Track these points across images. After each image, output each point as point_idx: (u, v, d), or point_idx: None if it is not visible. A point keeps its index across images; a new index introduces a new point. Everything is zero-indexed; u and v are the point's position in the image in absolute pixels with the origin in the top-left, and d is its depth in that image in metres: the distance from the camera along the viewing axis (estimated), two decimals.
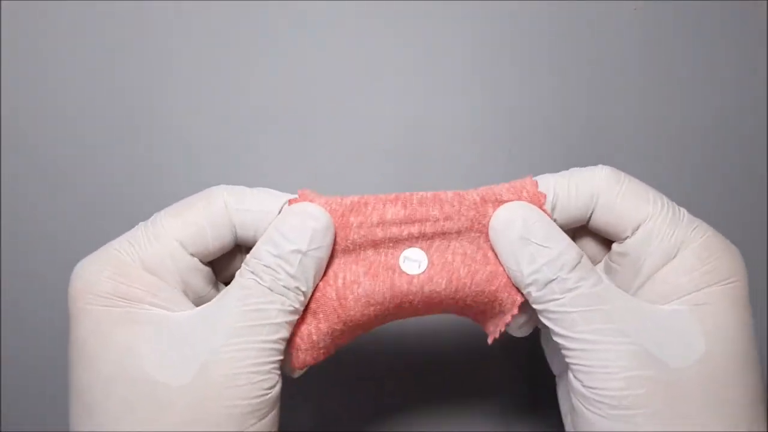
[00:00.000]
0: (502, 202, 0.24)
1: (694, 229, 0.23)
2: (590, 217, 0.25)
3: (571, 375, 0.22)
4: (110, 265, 0.22)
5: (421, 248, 0.24)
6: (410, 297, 0.24)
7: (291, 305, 0.22)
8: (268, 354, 0.21)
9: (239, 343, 0.21)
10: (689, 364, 0.21)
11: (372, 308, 0.24)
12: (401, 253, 0.24)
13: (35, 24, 0.34)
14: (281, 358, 0.22)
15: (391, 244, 0.24)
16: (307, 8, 0.34)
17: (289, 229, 0.22)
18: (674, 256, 0.23)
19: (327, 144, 0.34)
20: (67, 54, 0.34)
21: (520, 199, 0.24)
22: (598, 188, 0.24)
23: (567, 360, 0.22)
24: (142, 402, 0.20)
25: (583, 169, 0.25)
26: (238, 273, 0.23)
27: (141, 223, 0.24)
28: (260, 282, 0.22)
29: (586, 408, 0.22)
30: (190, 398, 0.20)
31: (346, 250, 0.24)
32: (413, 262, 0.24)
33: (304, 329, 0.24)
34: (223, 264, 0.25)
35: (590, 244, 0.27)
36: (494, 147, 0.35)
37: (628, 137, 0.35)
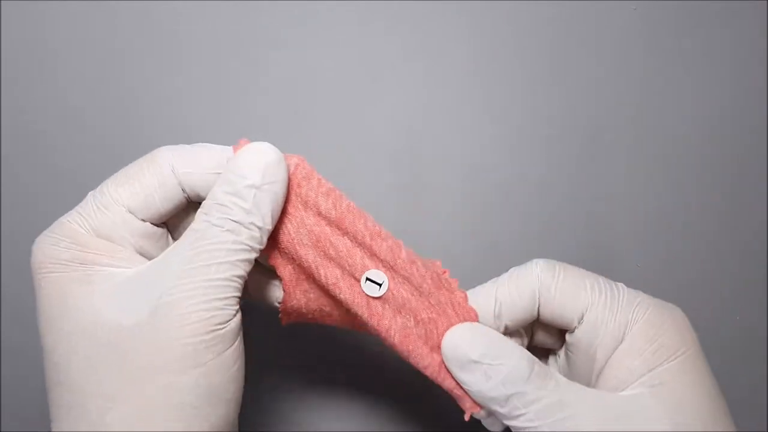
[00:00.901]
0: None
1: (636, 307, 0.24)
2: (539, 313, 0.25)
3: None
4: (65, 236, 0.22)
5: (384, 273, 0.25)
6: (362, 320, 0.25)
7: (245, 243, 0.22)
8: (219, 291, 0.22)
9: (188, 283, 0.21)
10: None
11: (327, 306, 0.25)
12: (364, 272, 0.25)
13: (35, 24, 0.34)
14: (236, 295, 0.22)
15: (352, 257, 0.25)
16: (308, 9, 0.34)
17: (242, 165, 0.23)
18: (622, 340, 0.23)
19: (327, 145, 0.34)
20: (67, 54, 0.34)
21: (447, 315, 0.25)
22: (537, 285, 0.25)
23: None
24: (103, 351, 0.21)
25: (520, 267, 0.26)
26: (194, 219, 0.23)
27: (90, 193, 0.24)
28: (212, 222, 0.22)
29: None
30: (147, 339, 0.21)
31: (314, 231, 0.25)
32: (374, 284, 0.24)
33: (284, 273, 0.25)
34: (179, 220, 0.26)
35: (549, 335, 0.27)
36: (494, 147, 0.35)
37: (628, 137, 0.35)
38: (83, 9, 0.34)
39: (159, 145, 0.34)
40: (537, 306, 0.25)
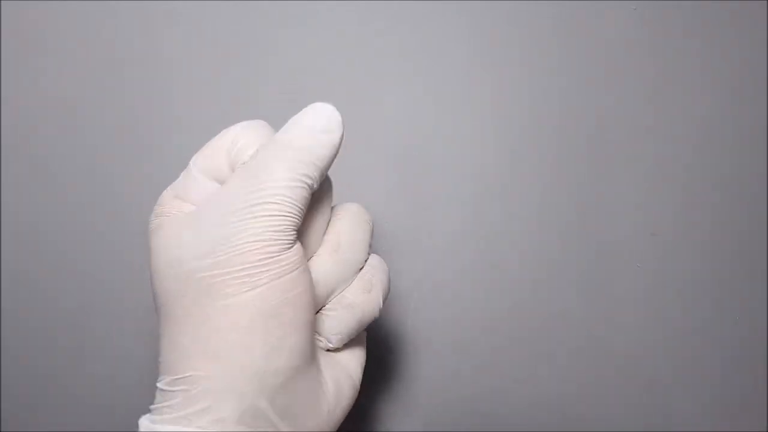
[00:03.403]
0: None
1: None
2: None
3: None
4: (157, 202, 0.25)
5: None
6: None
7: (300, 180, 0.23)
8: (274, 223, 0.22)
9: (243, 216, 0.22)
10: None
11: None
12: None
13: (35, 24, 0.34)
14: (292, 226, 0.23)
15: None
16: (308, 9, 0.34)
17: (307, 112, 0.24)
18: None
19: None
20: (67, 54, 0.34)
21: None
22: None
23: None
24: (173, 284, 0.22)
25: None
26: None
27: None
28: (266, 157, 0.23)
29: None
30: (205, 267, 0.22)
31: None
32: None
33: None
34: None
35: None
36: (494, 147, 0.35)
37: (628, 137, 0.35)
38: (83, 9, 0.34)
39: (158, 145, 0.34)
40: None
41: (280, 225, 0.22)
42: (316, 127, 0.24)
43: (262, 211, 0.22)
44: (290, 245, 0.23)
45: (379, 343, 0.34)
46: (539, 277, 0.34)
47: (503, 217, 0.34)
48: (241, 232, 0.22)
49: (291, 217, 0.23)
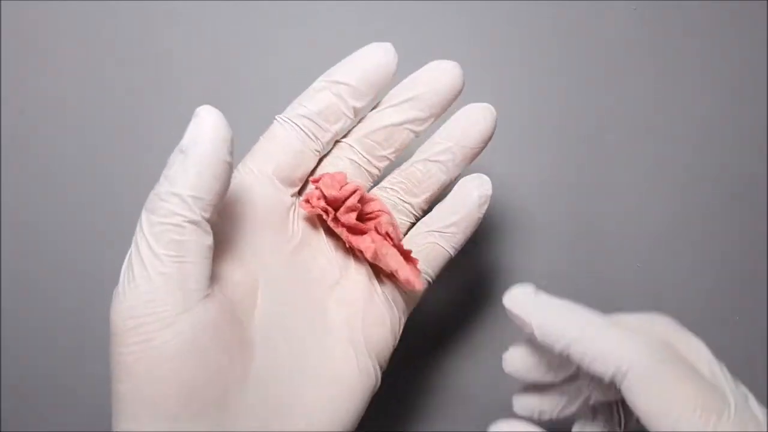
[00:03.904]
0: None
1: None
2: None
3: None
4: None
5: None
6: None
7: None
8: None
9: None
10: None
11: None
12: None
13: (35, 24, 0.34)
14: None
15: None
16: (308, 9, 0.34)
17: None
18: None
19: None
20: (67, 54, 0.34)
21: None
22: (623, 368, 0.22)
23: None
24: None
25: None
26: None
27: None
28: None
29: None
30: None
31: None
32: None
33: None
34: None
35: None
36: (494, 147, 0.35)
37: (628, 137, 0.35)
38: (83, 9, 0.34)
39: (158, 145, 0.34)
40: (612, 385, 0.22)
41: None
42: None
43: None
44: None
45: None
46: (539, 277, 0.34)
47: (502, 216, 0.34)
48: None
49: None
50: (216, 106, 0.34)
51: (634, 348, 0.21)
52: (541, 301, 0.24)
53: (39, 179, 0.34)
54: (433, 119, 0.26)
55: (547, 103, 0.35)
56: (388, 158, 0.27)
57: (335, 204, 0.25)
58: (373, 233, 0.25)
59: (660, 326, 0.24)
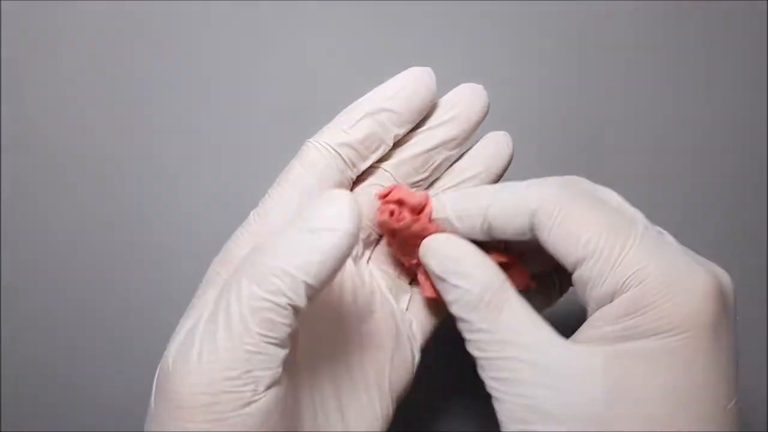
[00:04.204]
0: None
1: (631, 276, 0.20)
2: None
3: None
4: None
5: None
6: None
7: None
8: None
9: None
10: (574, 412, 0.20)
11: None
12: None
13: (35, 24, 0.34)
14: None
15: None
16: (308, 9, 0.34)
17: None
18: (612, 299, 0.21)
19: None
20: (68, 54, 0.34)
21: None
22: (534, 219, 0.22)
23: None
24: None
25: (523, 188, 0.23)
26: None
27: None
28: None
29: None
30: None
31: None
32: None
33: None
34: None
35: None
36: None
37: (628, 137, 0.35)
38: (83, 9, 0.34)
39: (158, 145, 0.34)
40: (532, 234, 0.22)
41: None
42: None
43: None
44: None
45: None
46: None
47: None
48: None
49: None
50: (215, 106, 0.35)
51: (541, 190, 0.22)
52: (450, 196, 0.25)
53: (39, 179, 0.34)
54: (466, 141, 0.27)
55: (547, 103, 0.35)
56: (421, 182, 0.26)
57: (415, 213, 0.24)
58: None
59: (571, 179, 0.24)
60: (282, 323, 0.19)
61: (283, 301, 0.18)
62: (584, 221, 0.21)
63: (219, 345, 0.18)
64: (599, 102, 0.35)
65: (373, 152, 0.25)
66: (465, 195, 0.24)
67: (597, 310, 0.21)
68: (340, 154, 0.24)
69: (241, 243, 0.23)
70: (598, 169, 0.35)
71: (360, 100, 0.25)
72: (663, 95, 0.35)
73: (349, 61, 0.35)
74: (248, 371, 0.18)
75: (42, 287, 0.34)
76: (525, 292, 0.25)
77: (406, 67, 0.35)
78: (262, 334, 0.18)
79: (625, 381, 0.20)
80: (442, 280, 0.23)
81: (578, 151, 0.35)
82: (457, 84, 0.35)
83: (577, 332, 0.22)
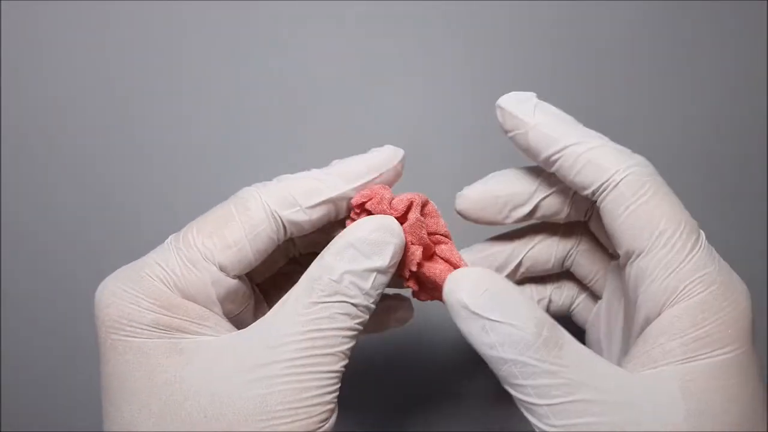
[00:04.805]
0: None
1: (699, 278, 0.20)
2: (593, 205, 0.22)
3: None
4: (148, 295, 0.20)
5: None
6: None
7: (356, 327, 0.20)
8: (329, 384, 0.20)
9: (300, 373, 0.19)
10: None
11: None
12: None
13: (35, 24, 0.34)
14: (338, 386, 0.20)
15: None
16: (308, 9, 0.34)
17: (370, 244, 0.20)
18: (662, 310, 0.20)
19: (327, 145, 0.34)
20: (66, 53, 0.34)
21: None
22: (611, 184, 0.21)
23: None
24: None
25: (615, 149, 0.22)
26: (299, 286, 0.20)
27: (170, 240, 0.21)
28: (327, 304, 0.20)
29: None
30: (251, 427, 0.19)
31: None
32: None
33: None
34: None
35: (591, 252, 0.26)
36: (495, 147, 0.35)
37: (628, 137, 0.35)
38: (82, 9, 0.34)
39: (158, 144, 0.34)
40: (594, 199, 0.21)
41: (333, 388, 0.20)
42: (379, 264, 0.21)
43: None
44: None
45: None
46: None
47: None
48: (295, 394, 0.19)
49: (340, 374, 0.20)
50: (215, 107, 0.35)
51: (632, 161, 0.21)
52: (543, 106, 0.23)
53: (39, 179, 0.34)
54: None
55: (548, 102, 0.35)
56: None
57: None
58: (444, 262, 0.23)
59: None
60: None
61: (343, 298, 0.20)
62: (668, 208, 0.20)
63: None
64: (599, 102, 0.35)
65: (318, 227, 0.23)
66: (553, 114, 0.23)
67: (649, 308, 0.20)
68: (285, 229, 0.22)
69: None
70: None
71: (328, 171, 0.23)
72: (663, 95, 0.35)
73: (349, 61, 0.35)
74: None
75: (43, 288, 0.34)
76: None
77: (406, 67, 0.35)
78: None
79: (705, 401, 0.19)
80: (479, 317, 0.20)
81: None
82: (457, 83, 0.35)
83: (632, 353, 0.20)
